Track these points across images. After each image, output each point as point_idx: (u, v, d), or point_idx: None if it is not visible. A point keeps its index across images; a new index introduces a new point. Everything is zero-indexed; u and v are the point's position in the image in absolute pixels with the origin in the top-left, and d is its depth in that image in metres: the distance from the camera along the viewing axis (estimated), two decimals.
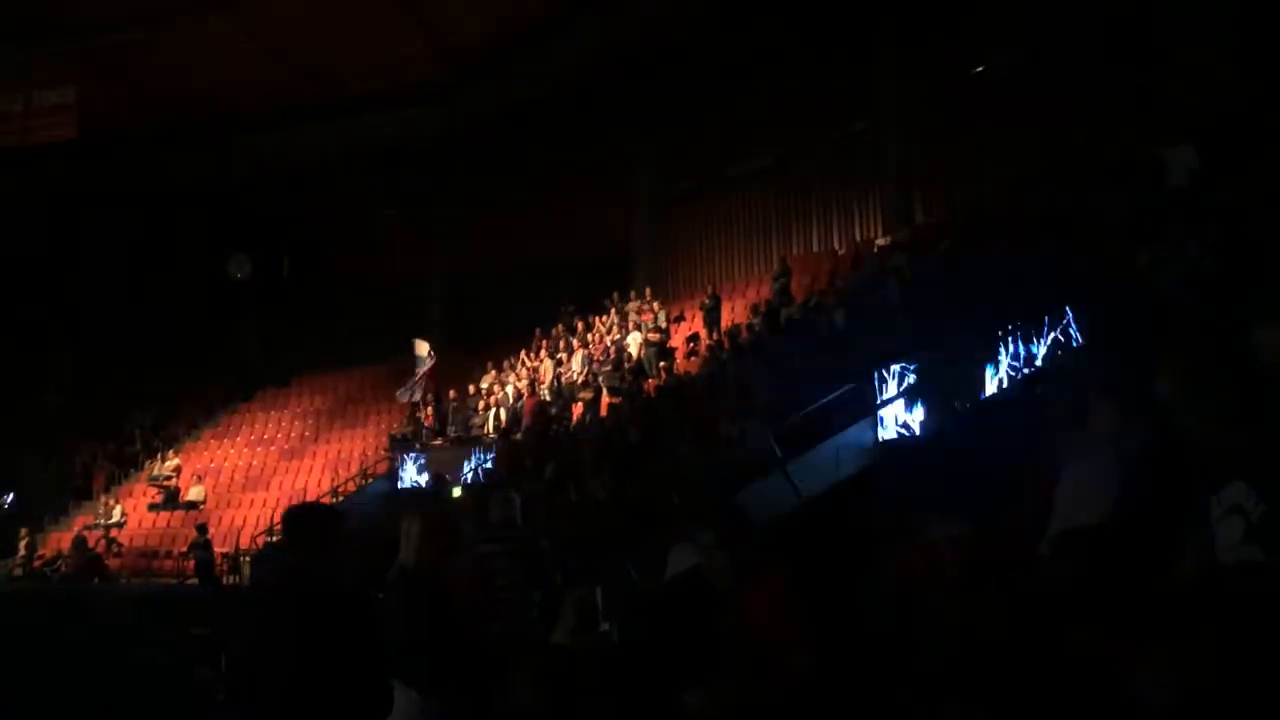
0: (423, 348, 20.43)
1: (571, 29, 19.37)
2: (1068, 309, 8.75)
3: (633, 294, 19.73)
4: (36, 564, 18.71)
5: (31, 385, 25.45)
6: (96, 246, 24.65)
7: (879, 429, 10.44)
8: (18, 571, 18.83)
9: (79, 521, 20.35)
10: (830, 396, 10.80)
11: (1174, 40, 13.38)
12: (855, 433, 10.41)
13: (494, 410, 18.64)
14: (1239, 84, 12.19)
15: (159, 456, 22.08)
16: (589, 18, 19.04)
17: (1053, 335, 8.79)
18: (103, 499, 20.83)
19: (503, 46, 20.18)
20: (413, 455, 18.58)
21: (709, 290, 18.68)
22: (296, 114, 22.10)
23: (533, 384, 18.75)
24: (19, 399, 24.97)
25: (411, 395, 20.26)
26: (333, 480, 19.66)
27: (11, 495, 21.63)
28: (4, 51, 19.78)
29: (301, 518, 3.85)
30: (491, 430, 18.28)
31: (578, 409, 17.09)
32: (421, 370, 20.30)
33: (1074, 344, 8.48)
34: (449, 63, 20.97)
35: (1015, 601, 3.29)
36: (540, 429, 16.78)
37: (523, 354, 20.14)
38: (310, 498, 18.97)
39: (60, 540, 19.35)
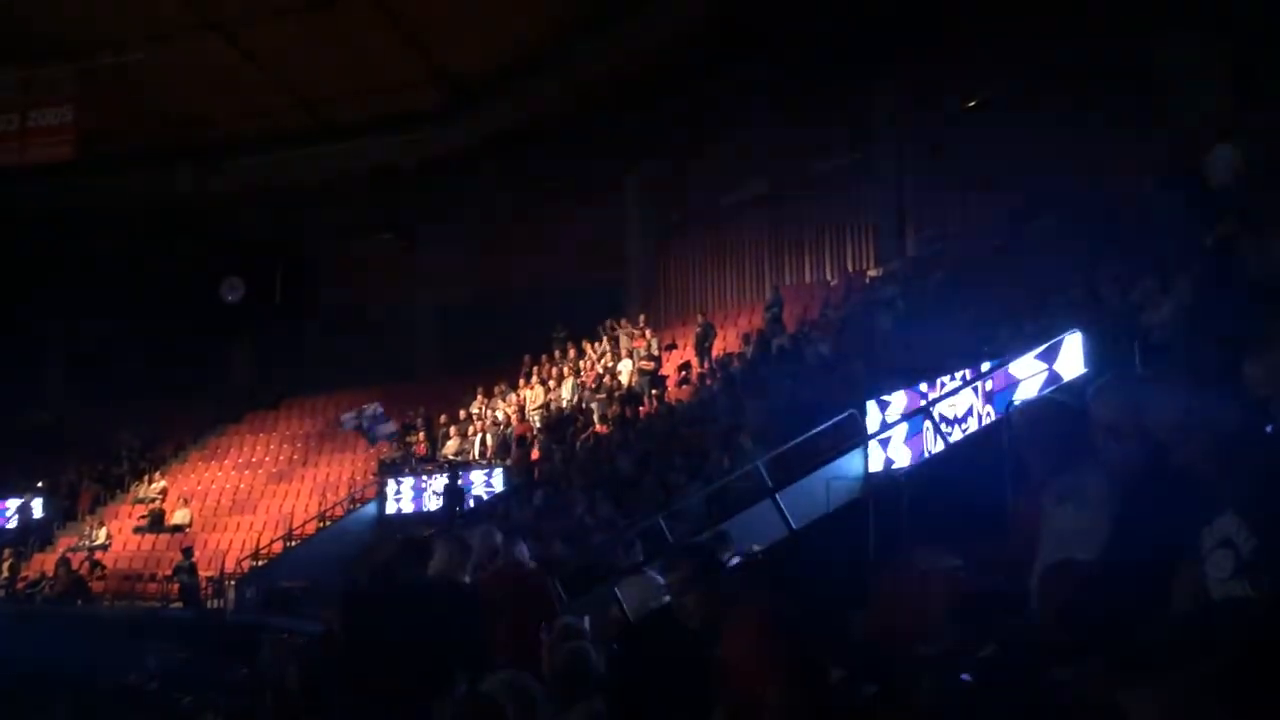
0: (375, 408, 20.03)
1: (567, 56, 19.49)
2: (1060, 340, 8.76)
3: (624, 321, 19.74)
4: (20, 585, 18.55)
5: (19, 405, 25.31)
6: (88, 266, 24.57)
7: (869, 460, 10.42)
8: (0, 593, 18.66)
9: (63, 543, 20.19)
10: (821, 427, 10.79)
11: (1169, 74, 13.48)
12: (845, 463, 10.38)
13: (481, 436, 18.59)
14: (1235, 117, 12.27)
15: (145, 478, 21.95)
16: (585, 45, 19.17)
17: (1044, 367, 8.79)
18: (88, 520, 20.68)
19: (497, 73, 20.30)
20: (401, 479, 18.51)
21: (701, 319, 18.69)
22: (290, 137, 22.17)
23: (523, 410, 18.72)
24: (6, 418, 24.82)
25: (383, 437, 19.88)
26: (320, 505, 19.54)
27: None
28: (2, 72, 19.81)
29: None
30: (479, 456, 18.23)
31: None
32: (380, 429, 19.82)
33: (1064, 376, 8.49)
34: (444, 88, 21.08)
35: (1005, 636, 3.26)
36: (529, 456, 16.75)
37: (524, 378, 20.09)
38: (297, 522, 18.88)
39: (44, 562, 19.19)
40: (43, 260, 24.49)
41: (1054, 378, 8.63)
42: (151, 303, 24.47)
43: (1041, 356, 8.88)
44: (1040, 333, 9.49)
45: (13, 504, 21.66)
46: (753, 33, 17.62)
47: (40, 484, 22.16)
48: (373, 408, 19.45)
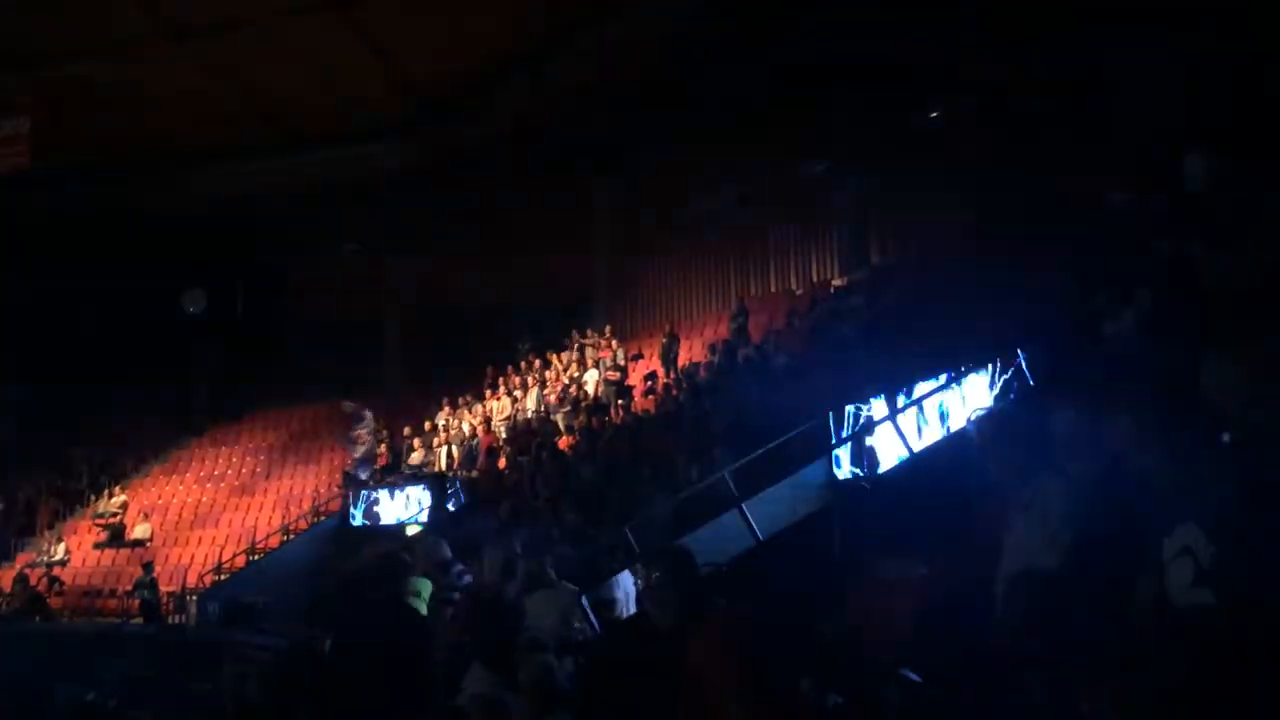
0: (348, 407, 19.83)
1: (532, 68, 19.48)
2: (1019, 351, 8.86)
3: (590, 331, 19.74)
4: None
5: None
6: (46, 278, 24.20)
7: (835, 469, 10.47)
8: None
9: (21, 559, 19.85)
10: (786, 436, 10.83)
11: (1126, 82, 13.68)
12: (811, 472, 10.43)
13: (447, 448, 18.50)
14: (1188, 127, 12.47)
15: (105, 493, 21.64)
16: (550, 57, 19.18)
17: (1004, 377, 8.89)
18: (46, 536, 20.34)
19: (463, 84, 20.25)
20: (366, 493, 18.36)
21: (667, 329, 18.73)
22: (253, 148, 21.98)
23: (488, 422, 18.64)
24: None
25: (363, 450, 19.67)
26: (284, 518, 19.34)
27: None
28: None
29: None
30: (444, 467, 18.13)
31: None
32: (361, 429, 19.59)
33: (1023, 386, 8.58)
34: (408, 99, 20.99)
35: (970, 644, 3.29)
36: (495, 467, 16.68)
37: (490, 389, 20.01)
38: (260, 536, 18.68)
39: (1, 578, 18.85)
40: (2, 272, 24.09)
41: (1014, 387, 8.73)
42: (112, 315, 24.15)
43: (1002, 366, 8.98)
44: (1000, 343, 9.59)
45: None
46: (717, 45, 17.71)
47: None
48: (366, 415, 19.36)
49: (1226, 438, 2.82)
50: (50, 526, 20.99)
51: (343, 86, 20.43)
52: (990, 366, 9.18)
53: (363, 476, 18.72)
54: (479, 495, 15.65)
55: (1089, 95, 14.03)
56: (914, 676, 3.10)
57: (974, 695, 2.94)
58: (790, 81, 17.93)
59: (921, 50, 16.31)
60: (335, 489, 19.53)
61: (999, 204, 15.07)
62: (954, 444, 8.14)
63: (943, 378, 9.96)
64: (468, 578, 6.40)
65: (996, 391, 8.89)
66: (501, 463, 16.86)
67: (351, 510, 18.19)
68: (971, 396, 9.29)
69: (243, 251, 24.60)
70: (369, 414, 19.31)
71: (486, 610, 5.00)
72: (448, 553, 7.46)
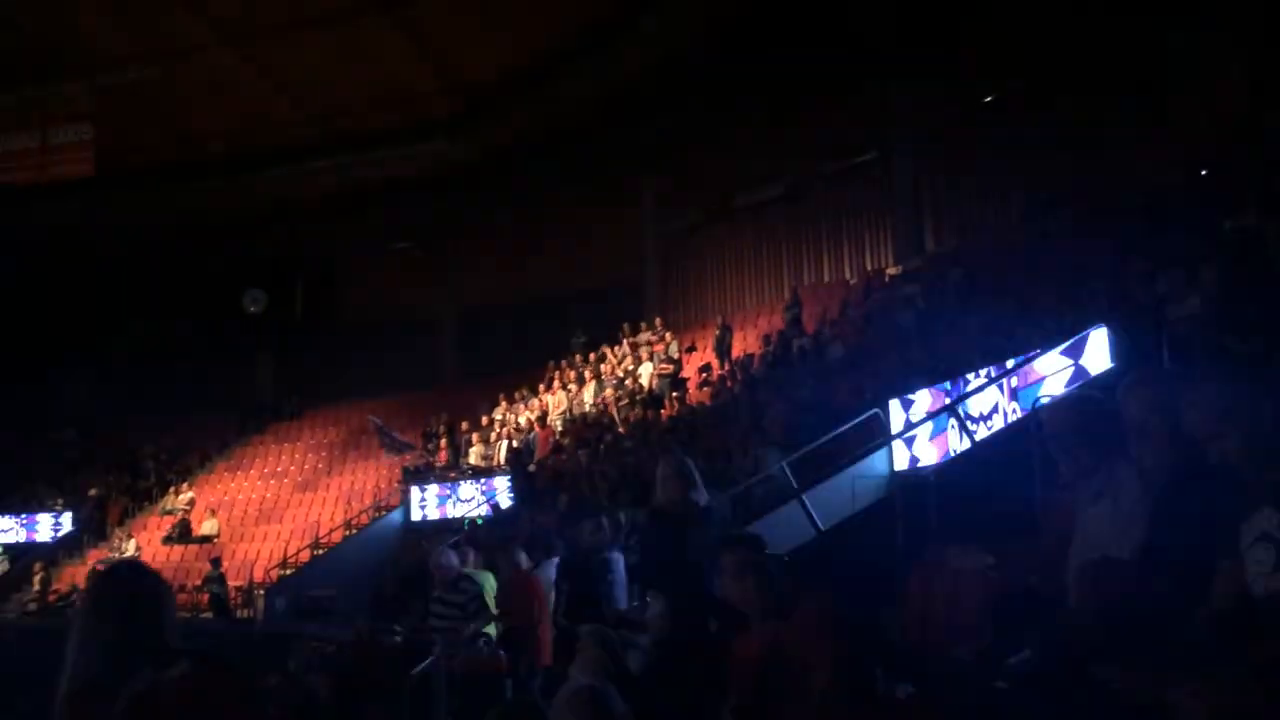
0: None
1: (582, 62, 19.53)
2: (1085, 336, 8.72)
3: (644, 325, 19.77)
4: (51, 598, 18.72)
5: (47, 420, 25.56)
6: (112, 281, 24.79)
7: (894, 459, 10.41)
8: (32, 606, 18.84)
9: (93, 556, 20.35)
10: (845, 427, 10.77)
11: (1184, 69, 13.43)
12: (870, 463, 10.37)
13: (505, 442, 18.65)
14: (1250, 114, 12.21)
15: (172, 490, 22.12)
16: (599, 49, 19.21)
17: (1070, 362, 8.76)
18: (117, 533, 20.85)
19: (512, 81, 20.36)
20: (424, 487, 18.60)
21: (720, 320, 18.70)
22: (308, 149, 22.30)
23: (543, 416, 18.77)
24: (35, 434, 25.08)
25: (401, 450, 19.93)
26: (346, 513, 19.65)
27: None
28: (21, 90, 20.02)
29: None
30: (503, 462, 18.29)
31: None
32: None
33: (1090, 372, 8.45)
34: (459, 96, 21.16)
35: (1042, 635, 3.27)
36: (554, 460, 16.78)
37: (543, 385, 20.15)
38: (324, 531, 19.01)
39: (75, 574, 19.35)
40: (68, 276, 24.72)
41: (1080, 373, 8.59)
42: (174, 316, 24.67)
43: (1067, 352, 8.84)
44: (1064, 328, 9.45)
45: (44, 519, 21.96)
46: (769, 31, 17.62)
47: (70, 498, 22.45)
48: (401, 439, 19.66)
49: None
50: (120, 523, 21.50)
51: (394, 87, 20.66)
52: (1054, 352, 9.05)
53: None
54: (538, 488, 15.75)
55: (1151, 74, 13.77)
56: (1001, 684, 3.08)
57: (1049, 687, 2.92)
58: (841, 69, 17.81)
59: (976, 32, 16.13)
60: (395, 484, 19.80)
61: (1057, 187, 14.86)
62: (1018, 432, 8.03)
63: (1005, 364, 9.83)
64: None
65: (1063, 378, 8.76)
66: (560, 455, 16.95)
67: (413, 505, 18.44)
68: (1034, 383, 9.17)
69: (301, 251, 24.98)
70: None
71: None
72: (454, 561, 7.83)
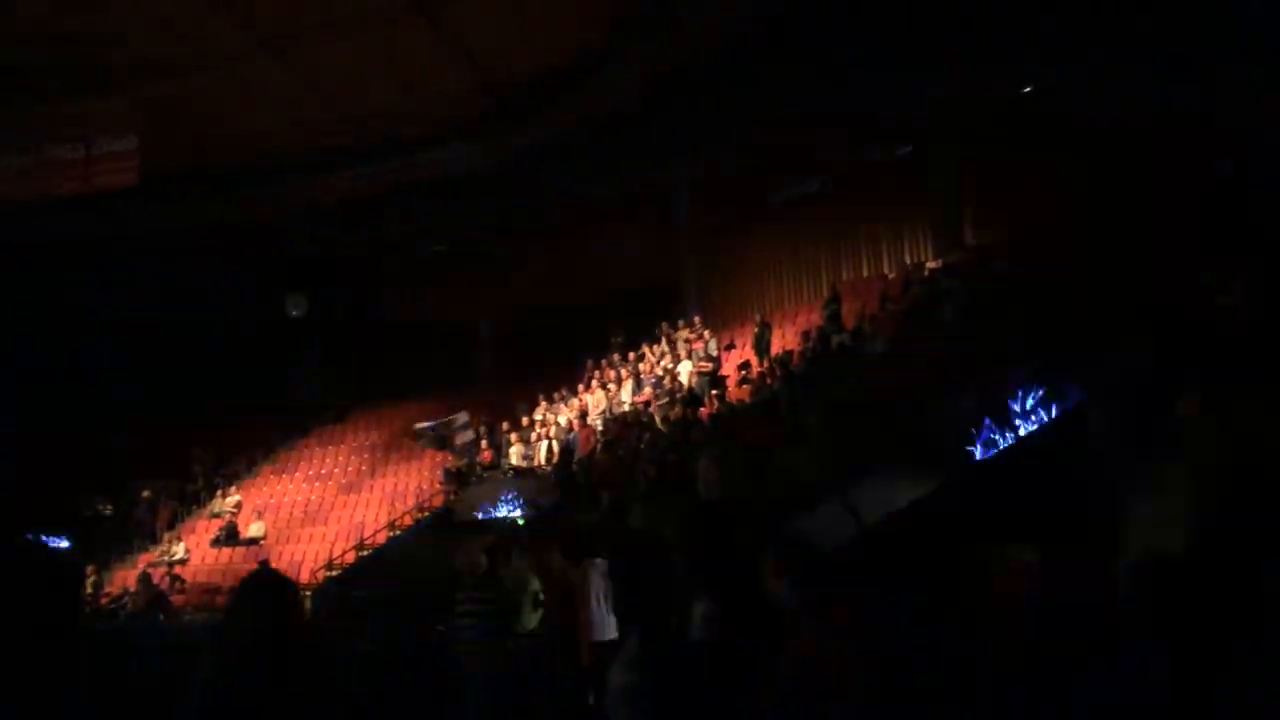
0: (462, 418, 20.26)
1: (616, 60, 19.55)
2: (1129, 329, 8.62)
3: (681, 323, 19.77)
4: (103, 601, 19.04)
5: (94, 425, 25.99)
6: (155, 287, 25.17)
7: (941, 454, 10.32)
8: (85, 609, 19.18)
9: (143, 559, 20.70)
10: (887, 423, 10.71)
11: (1226, 59, 13.20)
12: (915, 458, 10.29)
13: (546, 443, 18.73)
14: None
15: (220, 493, 22.44)
16: (632, 48, 19.22)
17: (1115, 357, 8.64)
18: (166, 536, 21.18)
19: (547, 81, 20.43)
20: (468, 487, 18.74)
21: (758, 317, 18.67)
22: (345, 154, 22.50)
23: (583, 415, 18.83)
24: (84, 439, 25.51)
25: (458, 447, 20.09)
26: (389, 514, 19.84)
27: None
28: (65, 101, 20.38)
29: None
30: (544, 462, 18.37)
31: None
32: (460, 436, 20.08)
33: (1136, 367, 8.34)
34: (493, 97, 21.26)
35: (1092, 631, 3.25)
36: (594, 459, 16.84)
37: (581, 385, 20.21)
38: (368, 532, 19.20)
39: (125, 578, 19.69)
40: (111, 283, 25.13)
41: (1127, 368, 8.49)
42: (218, 321, 25.02)
43: (1111, 346, 8.74)
44: (1107, 322, 9.35)
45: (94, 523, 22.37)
46: (802, 27, 17.54)
47: (119, 501, 22.85)
48: (461, 417, 19.78)
49: None
50: (170, 527, 21.84)
51: (428, 89, 20.78)
52: (1099, 346, 8.95)
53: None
54: (579, 487, 15.82)
55: (1194, 62, 13.55)
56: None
57: (1100, 682, 2.90)
58: (874, 62, 17.68)
59: (1013, 25, 15.94)
60: (437, 485, 19.96)
61: (1098, 177, 14.68)
62: (1063, 427, 7.97)
63: (1049, 358, 9.74)
64: None
65: (1107, 373, 8.65)
66: (601, 454, 17.01)
67: (455, 505, 18.57)
68: (1078, 377, 9.08)
69: (340, 254, 25.24)
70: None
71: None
72: (482, 560, 7.91)
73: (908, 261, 18.44)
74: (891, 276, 18.45)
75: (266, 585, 2.73)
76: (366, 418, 25.15)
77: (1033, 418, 9.46)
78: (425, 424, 20.15)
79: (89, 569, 20.11)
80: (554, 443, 18.58)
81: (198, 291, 25.34)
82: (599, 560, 9.21)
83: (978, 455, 9.56)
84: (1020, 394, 9.60)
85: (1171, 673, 2.63)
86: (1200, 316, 8.04)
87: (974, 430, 9.64)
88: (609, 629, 8.96)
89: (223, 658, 2.52)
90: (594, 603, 8.93)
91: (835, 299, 17.40)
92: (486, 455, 19.78)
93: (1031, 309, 11.81)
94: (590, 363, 20.38)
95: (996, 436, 9.54)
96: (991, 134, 16.99)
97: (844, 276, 19.29)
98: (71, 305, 24.88)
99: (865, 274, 19.31)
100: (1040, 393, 9.49)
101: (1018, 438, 9.05)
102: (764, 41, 18.07)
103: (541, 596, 9.38)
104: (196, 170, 22.87)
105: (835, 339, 16.07)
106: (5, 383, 24.72)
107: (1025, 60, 16.17)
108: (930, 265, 17.35)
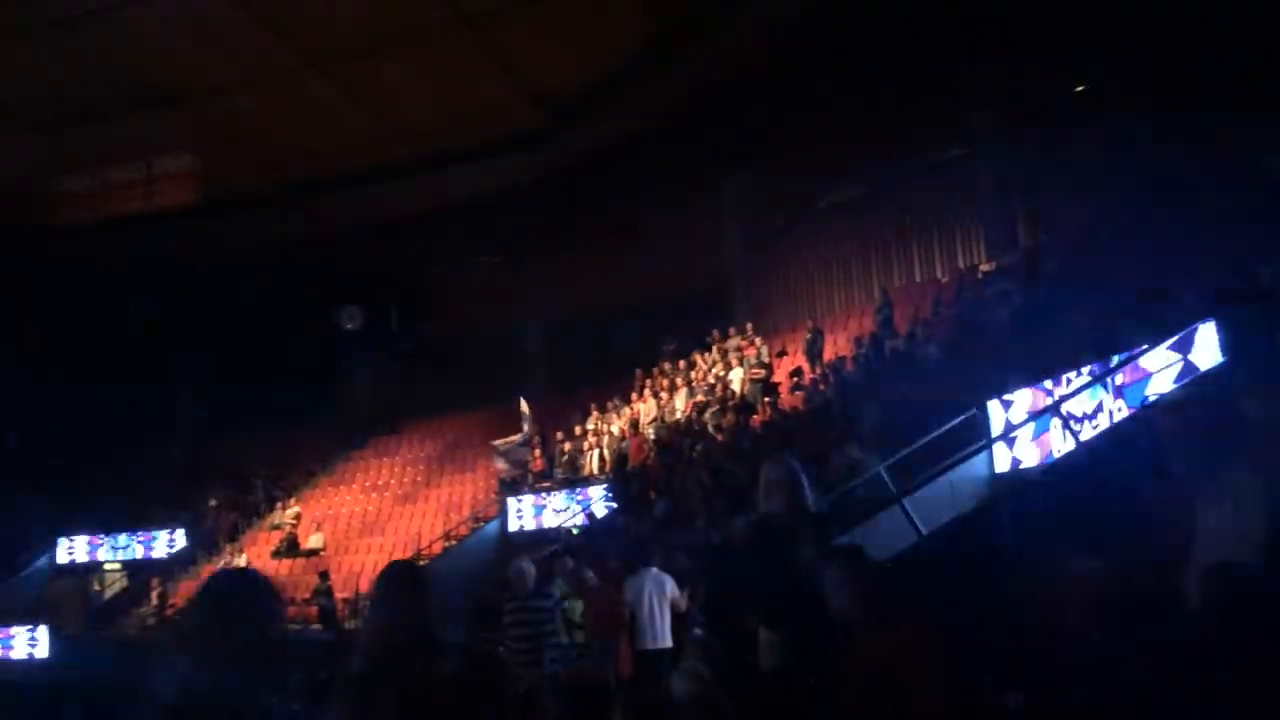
0: (524, 406, 20.32)
1: (661, 67, 19.58)
2: (1193, 329, 8.45)
3: (733, 330, 19.73)
4: (169, 613, 19.42)
5: (156, 439, 26.54)
6: (214, 303, 25.64)
7: (994, 461, 10.22)
8: (151, 620, 19.57)
9: (207, 570, 21.04)
10: (943, 429, 10.61)
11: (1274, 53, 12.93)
12: (970, 465, 10.20)
13: (597, 451, 18.79)
14: None
15: (279, 505, 22.78)
16: (678, 55, 19.24)
17: (1178, 358, 8.49)
18: (228, 548, 21.55)
19: (591, 91, 20.53)
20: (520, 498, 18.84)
21: (810, 323, 18.57)
22: (396, 168, 22.78)
23: (635, 424, 18.84)
24: (147, 453, 26.07)
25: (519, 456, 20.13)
26: (445, 524, 20.01)
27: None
28: (126, 122, 20.87)
29: None
30: (596, 470, 18.42)
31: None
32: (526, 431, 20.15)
33: (1199, 367, 8.18)
34: (541, 109, 21.40)
35: (1162, 640, 3.20)
36: (647, 468, 16.85)
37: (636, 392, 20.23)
38: (424, 542, 19.38)
39: (190, 589, 20.04)
40: (172, 299, 25.65)
41: (1189, 369, 8.33)
42: (275, 335, 25.44)
43: (1174, 347, 8.58)
44: (1169, 322, 9.17)
45: (161, 535, 22.84)
46: (848, 28, 17.43)
47: (184, 514, 23.32)
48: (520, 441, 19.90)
49: None
50: (231, 539, 22.21)
51: (476, 103, 20.97)
52: (1161, 348, 8.78)
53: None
54: (632, 496, 15.83)
55: (1251, 59, 13.28)
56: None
57: (1172, 693, 2.86)
58: (923, 64, 17.52)
59: (1064, 24, 15.72)
60: (492, 495, 20.09)
61: (1153, 177, 14.41)
62: (1125, 431, 7.83)
63: (1109, 360, 9.58)
64: None
65: (1170, 374, 8.50)
66: (654, 463, 17.01)
67: (510, 515, 18.68)
68: (1141, 380, 8.92)
69: (393, 268, 25.53)
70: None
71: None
72: (531, 571, 8.02)
73: (960, 264, 18.24)
74: (944, 280, 18.25)
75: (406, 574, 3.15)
76: (421, 429, 25.40)
77: (1093, 422, 9.32)
78: (504, 443, 20.08)
79: (154, 582, 20.54)
80: (605, 451, 18.61)
81: (254, 308, 25.77)
82: (654, 569, 9.23)
83: (1034, 461, 9.44)
84: (1078, 396, 9.46)
85: (1250, 684, 2.58)
86: (1263, 314, 7.86)
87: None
88: (661, 637, 8.98)
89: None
90: (646, 611, 8.95)
91: (887, 303, 17.26)
92: (539, 464, 19.87)
93: (1088, 310, 11.64)
94: (641, 371, 20.39)
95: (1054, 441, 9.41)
96: (1044, 133, 16.75)
97: (896, 281, 19.11)
98: (132, 323, 25.46)
99: (917, 278, 19.13)
100: (1101, 394, 9.34)
101: (1079, 443, 8.91)
102: (810, 45, 17.99)
103: (579, 620, 9.53)
104: (250, 188, 23.30)
105: (889, 344, 15.94)
106: (76, 397, 25.40)
107: (1076, 58, 15.93)
108: (984, 268, 17.14)
